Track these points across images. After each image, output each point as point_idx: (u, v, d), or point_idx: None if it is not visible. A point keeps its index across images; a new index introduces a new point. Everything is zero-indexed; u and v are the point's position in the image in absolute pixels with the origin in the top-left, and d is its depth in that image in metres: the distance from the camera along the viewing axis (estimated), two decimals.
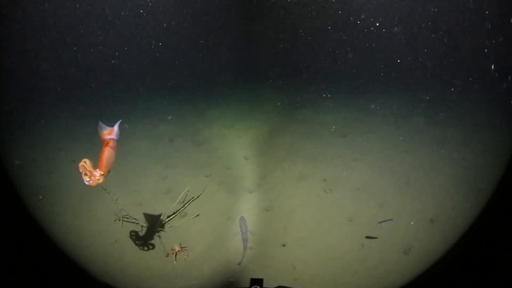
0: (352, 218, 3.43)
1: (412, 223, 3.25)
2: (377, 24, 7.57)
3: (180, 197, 3.52)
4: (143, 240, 3.23)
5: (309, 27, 8.24)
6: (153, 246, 3.20)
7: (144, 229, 3.34)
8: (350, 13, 7.79)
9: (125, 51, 7.91)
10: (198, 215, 3.46)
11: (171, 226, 3.37)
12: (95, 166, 2.16)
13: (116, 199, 3.50)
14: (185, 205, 3.56)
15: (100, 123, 2.21)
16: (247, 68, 7.64)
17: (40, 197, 3.79)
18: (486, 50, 6.29)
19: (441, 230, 3.20)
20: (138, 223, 3.36)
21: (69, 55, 7.24)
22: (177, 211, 3.49)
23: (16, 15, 6.85)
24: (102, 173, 2.15)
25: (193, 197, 3.63)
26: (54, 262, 2.84)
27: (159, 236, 3.27)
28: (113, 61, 7.65)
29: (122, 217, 3.43)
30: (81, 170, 2.12)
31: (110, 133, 2.20)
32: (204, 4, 8.40)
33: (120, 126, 2.21)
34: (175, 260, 3.04)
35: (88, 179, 2.13)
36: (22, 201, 3.50)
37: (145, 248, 3.19)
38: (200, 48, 8.26)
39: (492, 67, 5.84)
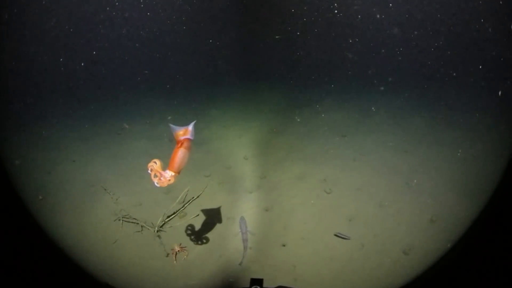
0: (352, 218, 3.43)
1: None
2: (377, 24, 7.57)
3: (180, 197, 3.51)
4: (198, 235, 3.26)
5: (309, 27, 8.25)
6: (207, 240, 3.21)
7: (145, 229, 3.33)
8: (350, 13, 7.80)
9: (125, 51, 7.92)
10: (198, 215, 3.46)
11: (171, 226, 3.37)
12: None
13: (116, 199, 3.50)
14: (185, 205, 3.56)
15: (172, 125, 2.15)
16: (247, 68, 7.65)
17: (40, 197, 3.79)
18: (486, 51, 6.30)
19: (441, 230, 3.20)
20: (138, 223, 3.35)
21: (69, 55, 7.24)
22: (177, 211, 3.49)
23: (17, 15, 6.85)
24: (173, 173, 2.09)
25: (193, 197, 3.62)
26: (54, 262, 2.84)
27: (159, 236, 3.27)
28: (113, 61, 7.66)
29: (122, 217, 3.42)
30: (149, 171, 2.05)
31: (185, 133, 2.14)
32: (204, 4, 8.40)
33: (194, 126, 2.15)
34: (175, 260, 3.04)
35: (157, 181, 2.07)
36: (22, 201, 3.50)
37: (199, 242, 3.21)
38: (200, 48, 8.26)
39: (492, 67, 5.84)
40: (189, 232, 3.29)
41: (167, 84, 7.25)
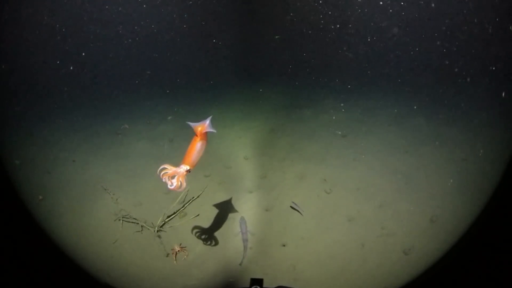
0: (352, 218, 3.43)
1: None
2: (377, 25, 7.57)
3: (180, 197, 3.52)
4: (208, 234, 3.27)
5: (310, 27, 8.24)
6: (217, 242, 3.20)
7: (145, 229, 3.33)
8: (350, 13, 7.80)
9: (125, 51, 7.91)
10: (198, 215, 3.46)
11: (171, 226, 3.37)
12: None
13: (116, 199, 3.50)
14: (185, 205, 3.56)
15: (189, 122, 2.15)
16: (247, 68, 7.65)
17: (40, 197, 3.79)
18: (486, 51, 6.29)
19: (441, 230, 3.20)
20: (138, 223, 3.36)
21: (69, 55, 7.23)
22: (177, 211, 3.49)
23: (16, 15, 6.84)
24: (189, 168, 2.05)
25: (193, 197, 3.63)
26: (54, 262, 2.84)
27: (159, 236, 3.27)
28: (113, 62, 7.64)
29: (122, 217, 3.43)
30: (164, 179, 2.01)
31: (203, 128, 2.13)
32: (204, 4, 8.39)
33: (211, 121, 2.15)
34: (175, 260, 3.05)
35: (170, 184, 2.02)
36: (22, 201, 3.50)
37: (208, 243, 3.22)
38: (200, 48, 8.25)
39: (493, 67, 5.84)
40: (198, 232, 3.29)
41: (167, 84, 7.24)
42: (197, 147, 2.10)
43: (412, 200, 3.60)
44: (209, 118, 2.16)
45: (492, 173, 3.55)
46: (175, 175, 2.04)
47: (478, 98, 5.59)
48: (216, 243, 3.21)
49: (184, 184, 2.07)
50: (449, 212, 3.37)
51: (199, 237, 3.25)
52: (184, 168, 2.06)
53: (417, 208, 3.48)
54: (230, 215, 3.52)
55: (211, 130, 2.16)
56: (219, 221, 3.42)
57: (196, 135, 2.13)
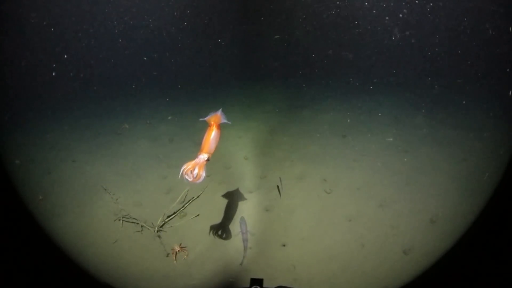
0: (352, 218, 3.43)
1: None
2: (378, 25, 7.58)
3: (180, 197, 3.52)
4: (222, 229, 3.33)
5: (310, 27, 8.25)
6: (228, 237, 3.26)
7: (145, 229, 3.33)
8: (350, 13, 7.80)
9: (125, 51, 7.91)
10: (198, 215, 3.46)
11: (171, 226, 3.38)
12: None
13: (116, 199, 3.51)
14: (185, 205, 3.56)
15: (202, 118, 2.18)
16: (247, 68, 7.65)
17: (40, 197, 3.79)
18: (486, 51, 6.30)
19: (441, 230, 3.20)
20: (138, 223, 3.36)
21: (69, 55, 7.24)
22: (177, 211, 3.49)
23: (16, 15, 6.84)
24: (207, 156, 2.04)
25: (193, 197, 3.63)
26: (54, 262, 2.84)
27: (159, 236, 3.27)
28: (113, 61, 7.65)
29: (122, 217, 3.43)
30: (186, 175, 1.99)
31: (216, 117, 2.18)
32: (204, 4, 8.39)
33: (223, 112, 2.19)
34: (175, 260, 3.05)
35: (190, 178, 1.99)
36: (22, 201, 3.50)
37: (224, 236, 3.28)
38: (200, 48, 8.26)
39: (493, 68, 5.83)
40: (214, 232, 3.31)
41: (167, 84, 7.25)
42: (213, 135, 2.12)
43: (412, 200, 3.60)
44: (220, 110, 2.21)
45: (492, 173, 3.55)
46: (195, 167, 2.01)
47: (478, 98, 5.60)
48: (229, 237, 3.26)
49: (204, 174, 2.05)
50: (449, 212, 3.37)
51: (215, 234, 3.27)
52: (203, 157, 2.04)
53: (417, 208, 3.48)
54: (235, 210, 3.54)
55: (225, 121, 2.20)
56: (229, 213, 3.45)
57: (210, 125, 2.15)
